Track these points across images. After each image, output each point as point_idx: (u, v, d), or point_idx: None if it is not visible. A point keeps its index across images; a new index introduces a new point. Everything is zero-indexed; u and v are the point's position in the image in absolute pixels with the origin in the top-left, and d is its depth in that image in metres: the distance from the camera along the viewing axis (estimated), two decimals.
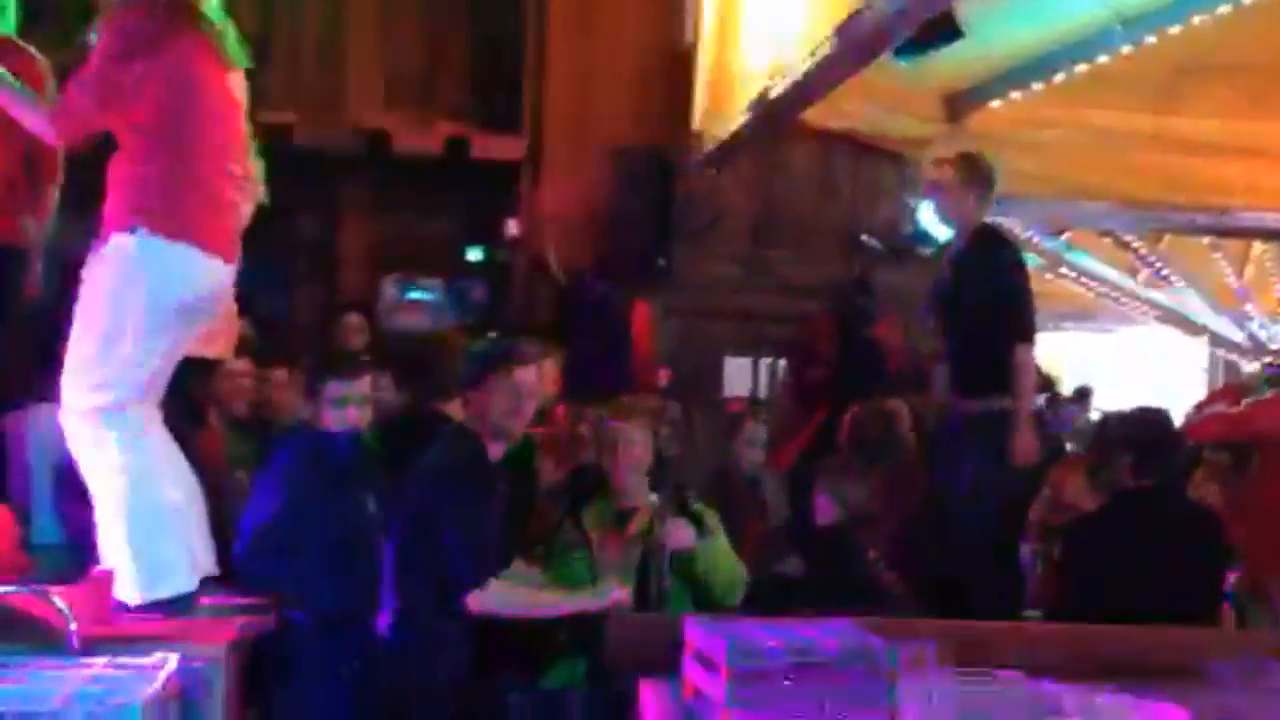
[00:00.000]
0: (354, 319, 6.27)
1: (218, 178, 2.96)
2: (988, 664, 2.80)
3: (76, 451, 2.92)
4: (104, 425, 2.86)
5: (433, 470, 3.47)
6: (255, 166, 3.13)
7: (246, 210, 3.09)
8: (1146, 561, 3.76)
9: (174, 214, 2.86)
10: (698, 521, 3.70)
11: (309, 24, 7.83)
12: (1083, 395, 10.91)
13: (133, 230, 2.84)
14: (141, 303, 2.83)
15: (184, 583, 2.90)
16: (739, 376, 7.47)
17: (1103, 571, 3.84)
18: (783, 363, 7.43)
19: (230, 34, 3.02)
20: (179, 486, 2.95)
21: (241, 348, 4.72)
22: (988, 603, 3.86)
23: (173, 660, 2.52)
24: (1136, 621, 3.37)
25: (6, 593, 2.63)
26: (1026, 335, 4.16)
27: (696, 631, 2.83)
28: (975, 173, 4.41)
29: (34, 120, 2.98)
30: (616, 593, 3.40)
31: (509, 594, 3.37)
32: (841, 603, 3.34)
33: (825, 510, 3.81)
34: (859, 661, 2.62)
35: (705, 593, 3.59)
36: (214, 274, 2.95)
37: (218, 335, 3.20)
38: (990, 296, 4.20)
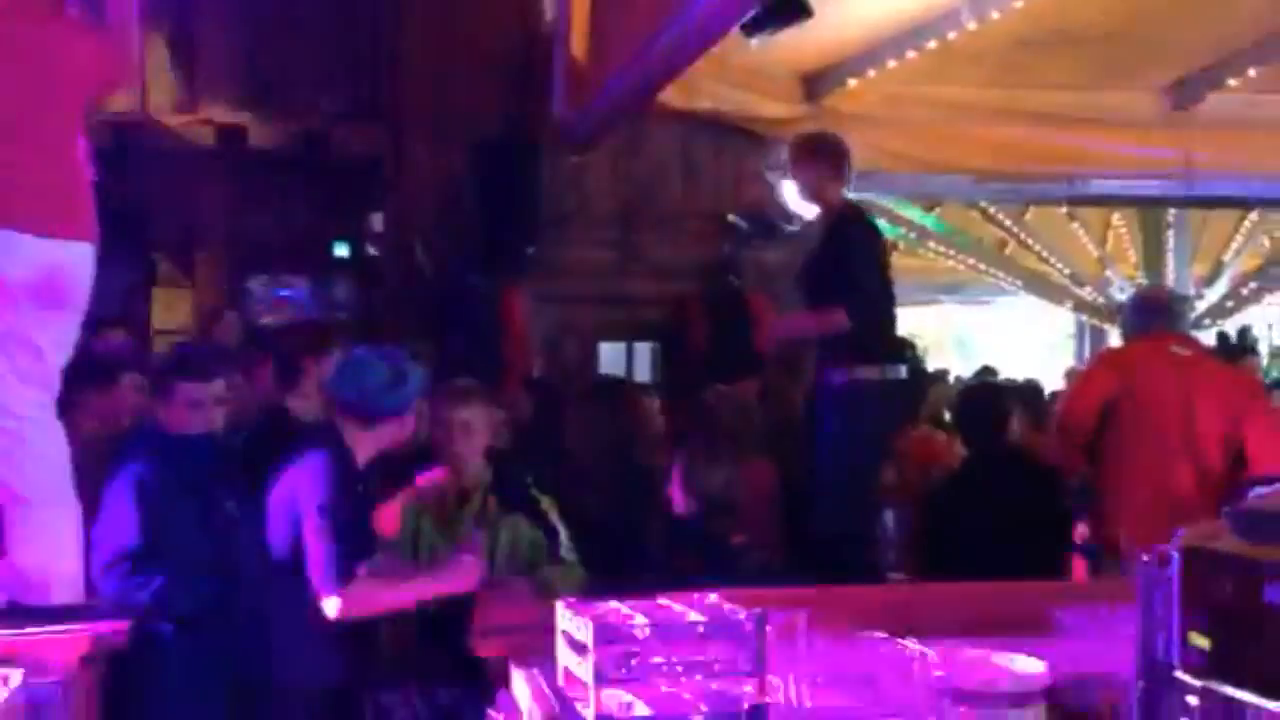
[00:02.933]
0: (232, 316, 6.12)
1: (26, 159, 2.87)
2: (853, 627, 2.85)
3: None
4: None
5: (301, 469, 3.37)
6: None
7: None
8: (999, 520, 3.89)
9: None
10: (535, 513, 3.66)
11: (159, 18, 7.58)
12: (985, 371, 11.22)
13: None
14: None
15: None
16: (613, 361, 7.48)
17: (958, 531, 3.97)
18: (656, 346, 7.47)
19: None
20: None
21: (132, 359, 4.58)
22: (851, 567, 3.93)
23: (16, 677, 2.44)
24: (992, 578, 3.48)
25: None
26: (854, 310, 4.18)
27: (565, 613, 2.83)
28: (823, 153, 4.46)
29: None
30: (473, 564, 3.33)
31: (371, 592, 3.26)
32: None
33: (680, 501, 3.85)
34: (727, 631, 2.65)
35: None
36: (45, 253, 2.86)
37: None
38: (843, 272, 4.26)
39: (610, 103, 5.91)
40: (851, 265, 4.25)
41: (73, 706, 2.67)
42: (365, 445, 3.39)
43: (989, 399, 4.48)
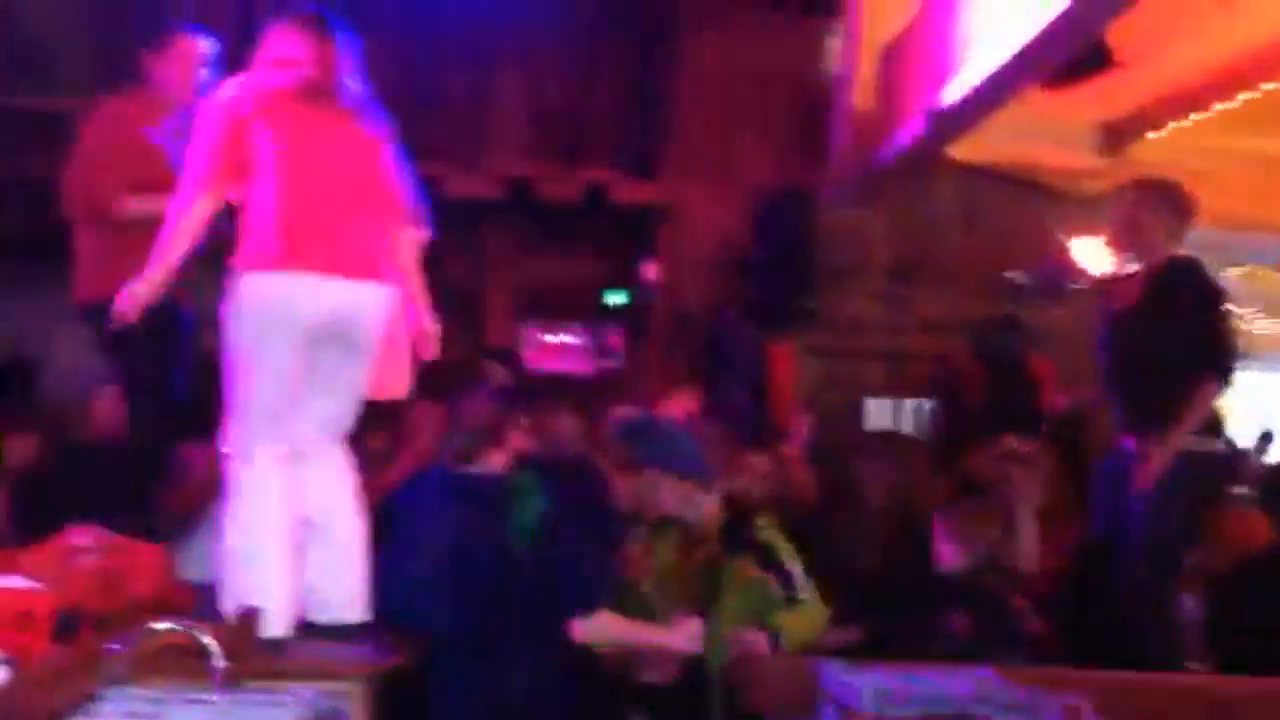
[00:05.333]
0: (493, 368, 6.31)
1: (315, 208, 3.08)
2: (1142, 717, 2.66)
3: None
4: (237, 464, 3.08)
5: (561, 503, 3.47)
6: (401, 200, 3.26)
7: (375, 235, 3.19)
8: None
9: (268, 248, 3.02)
10: (766, 552, 3.60)
11: (453, 75, 8.03)
12: (1264, 439, 10.32)
13: (239, 271, 3.05)
14: (245, 337, 3.03)
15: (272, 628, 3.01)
16: (882, 417, 7.32)
17: (1267, 619, 3.62)
18: (928, 403, 7.25)
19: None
20: (289, 537, 3.06)
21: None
22: (1147, 653, 3.64)
23: (307, 694, 2.57)
24: None
25: (156, 629, 2.72)
26: (1221, 372, 3.87)
27: (833, 676, 2.76)
28: (1176, 204, 4.06)
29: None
30: (691, 624, 3.35)
31: (606, 625, 3.34)
32: (983, 651, 3.21)
33: (949, 555, 3.72)
34: (1002, 712, 2.51)
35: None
36: (327, 293, 3.05)
37: (390, 374, 3.30)
38: (1184, 331, 3.89)
39: (893, 156, 5.82)
40: (1213, 327, 3.90)
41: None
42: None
43: None
